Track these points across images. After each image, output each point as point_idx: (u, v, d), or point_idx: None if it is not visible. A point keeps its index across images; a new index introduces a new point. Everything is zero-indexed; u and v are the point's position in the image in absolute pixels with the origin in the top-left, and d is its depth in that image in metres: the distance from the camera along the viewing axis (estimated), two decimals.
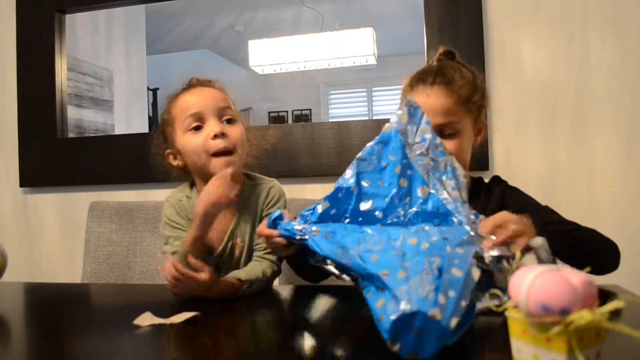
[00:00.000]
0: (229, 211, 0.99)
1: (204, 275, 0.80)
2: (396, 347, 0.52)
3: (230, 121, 0.98)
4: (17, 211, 1.88)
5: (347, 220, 0.78)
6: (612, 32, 1.44)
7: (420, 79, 0.97)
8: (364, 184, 0.80)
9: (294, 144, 1.61)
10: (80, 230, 1.55)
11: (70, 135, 1.92)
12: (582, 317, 0.39)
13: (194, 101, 0.98)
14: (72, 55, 2.08)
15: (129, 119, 2.72)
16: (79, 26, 2.25)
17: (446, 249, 0.61)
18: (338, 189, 0.80)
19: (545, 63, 1.48)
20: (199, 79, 1.05)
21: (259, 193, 1.00)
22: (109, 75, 2.44)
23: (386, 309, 0.53)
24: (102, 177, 1.78)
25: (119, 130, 2.52)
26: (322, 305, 0.85)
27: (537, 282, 0.41)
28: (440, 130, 0.91)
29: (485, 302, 0.63)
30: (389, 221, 0.77)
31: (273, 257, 0.95)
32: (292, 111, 6.02)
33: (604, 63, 1.44)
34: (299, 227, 0.77)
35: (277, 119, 6.04)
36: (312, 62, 3.41)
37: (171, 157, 1.04)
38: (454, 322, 0.51)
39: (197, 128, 0.96)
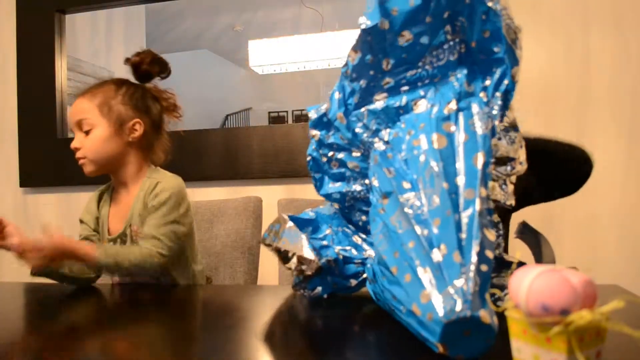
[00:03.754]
0: (127, 200, 1.11)
1: (14, 239, 0.90)
2: (442, 349, 0.49)
3: (88, 131, 1.07)
4: (17, 211, 1.88)
5: (390, 64, 0.67)
6: (612, 31, 1.44)
7: None
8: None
9: (294, 144, 1.61)
10: None
11: (70, 135, 1.92)
12: (582, 317, 0.39)
13: (68, 118, 1.14)
14: (72, 55, 2.08)
15: None
16: (79, 26, 2.25)
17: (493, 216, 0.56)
18: (363, 32, 0.67)
19: (546, 62, 1.48)
20: (81, 91, 1.13)
21: (149, 186, 1.08)
22: (109, 76, 2.43)
23: (435, 307, 0.49)
24: (102, 177, 1.77)
25: None
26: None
27: (537, 282, 0.41)
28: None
29: None
30: (428, 66, 0.66)
31: (152, 244, 0.99)
32: (292, 111, 6.02)
33: (605, 62, 1.44)
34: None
35: (277, 119, 6.04)
36: (312, 62, 3.41)
37: None
38: (495, 320, 0.48)
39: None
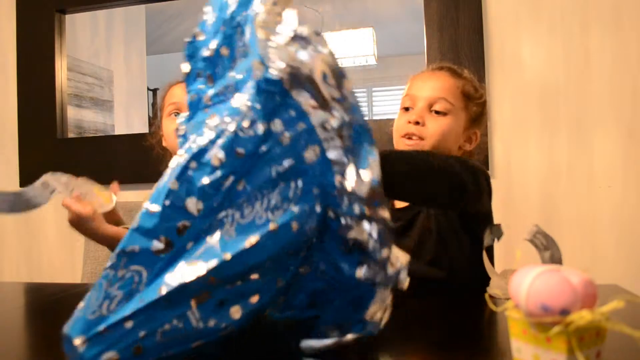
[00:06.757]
0: None
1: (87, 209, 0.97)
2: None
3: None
4: None
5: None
6: (612, 32, 1.44)
7: (427, 69, 1.06)
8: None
9: None
10: None
11: (70, 135, 1.92)
12: (582, 317, 0.39)
13: (179, 93, 1.14)
14: (72, 55, 2.08)
15: (129, 119, 2.72)
16: (79, 26, 2.25)
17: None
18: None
19: (546, 63, 1.48)
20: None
21: None
22: (109, 76, 2.44)
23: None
24: (102, 177, 1.77)
25: (119, 131, 2.52)
26: None
27: (537, 282, 0.41)
28: (431, 105, 0.96)
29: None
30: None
31: None
32: None
33: (604, 63, 1.44)
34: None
35: None
36: None
37: (162, 139, 1.21)
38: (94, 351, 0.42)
39: (176, 114, 1.13)
